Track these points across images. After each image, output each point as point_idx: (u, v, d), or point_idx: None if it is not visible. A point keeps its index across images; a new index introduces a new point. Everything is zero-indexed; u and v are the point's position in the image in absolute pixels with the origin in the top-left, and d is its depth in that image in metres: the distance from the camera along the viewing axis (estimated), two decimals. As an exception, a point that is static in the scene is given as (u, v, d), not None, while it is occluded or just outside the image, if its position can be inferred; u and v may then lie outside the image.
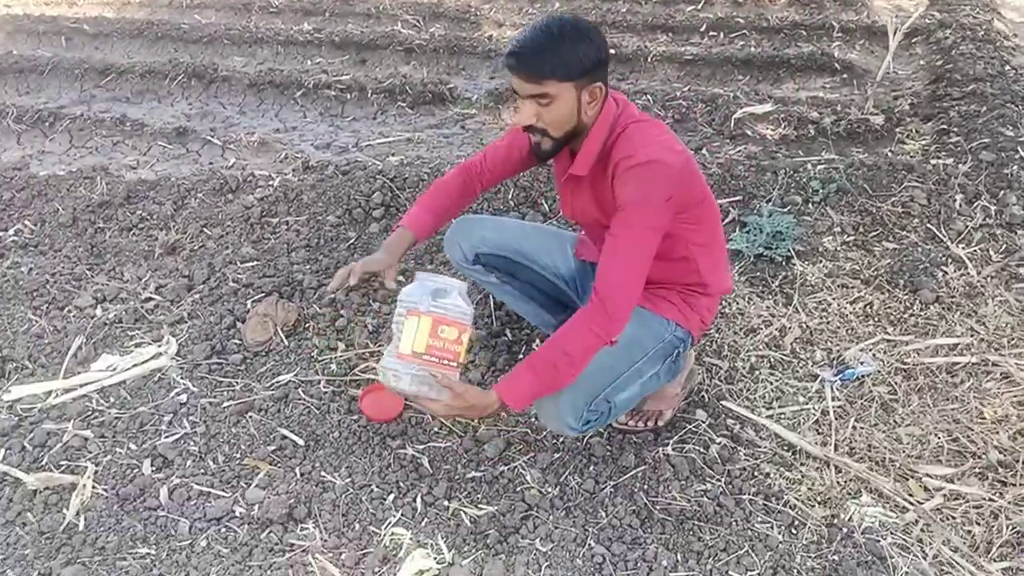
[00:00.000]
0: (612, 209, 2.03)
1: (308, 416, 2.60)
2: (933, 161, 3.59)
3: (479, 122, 4.81)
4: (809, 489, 2.28)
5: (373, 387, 2.64)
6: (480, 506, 2.28)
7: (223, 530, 2.24)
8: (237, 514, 2.29)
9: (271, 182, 3.84)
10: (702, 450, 2.39)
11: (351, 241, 3.48)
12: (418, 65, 5.86)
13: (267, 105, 5.25)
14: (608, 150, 2.03)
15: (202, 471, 2.44)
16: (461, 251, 2.42)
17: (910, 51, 5.53)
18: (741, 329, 2.87)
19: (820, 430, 2.49)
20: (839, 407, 2.55)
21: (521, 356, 2.81)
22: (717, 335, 2.83)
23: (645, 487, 2.29)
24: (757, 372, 2.70)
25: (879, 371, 2.66)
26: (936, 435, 2.42)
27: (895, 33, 4.16)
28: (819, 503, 2.24)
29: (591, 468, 2.36)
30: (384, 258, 2.24)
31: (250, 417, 2.61)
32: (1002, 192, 3.33)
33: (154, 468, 2.46)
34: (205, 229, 3.63)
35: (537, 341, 2.84)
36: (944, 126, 4.06)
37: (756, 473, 2.32)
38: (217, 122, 5.03)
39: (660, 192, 1.97)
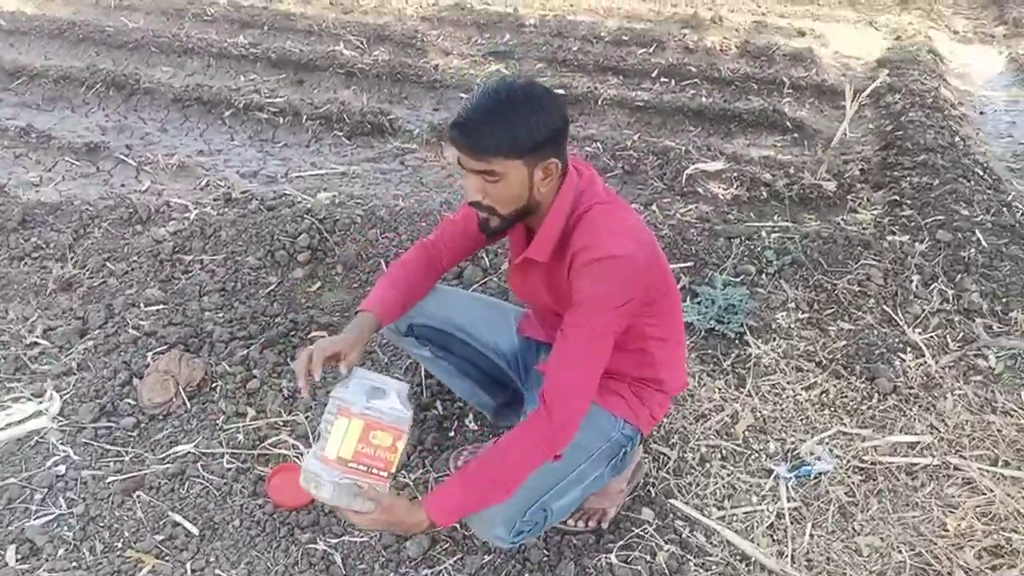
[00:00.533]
0: (567, 299, 1.80)
1: (206, 498, 2.28)
2: (889, 238, 3.47)
3: (419, 158, 4.55)
4: (764, 611, 2.06)
5: (283, 467, 2.34)
6: (400, 619, 2.00)
7: (92, 643, 1.91)
8: (111, 622, 1.96)
9: (187, 214, 3.50)
10: (648, 559, 2.15)
11: (271, 287, 3.17)
12: (358, 91, 5.57)
13: (192, 123, 4.89)
14: (567, 234, 1.80)
15: (75, 564, 2.10)
16: (394, 323, 2.15)
17: (859, 113, 5.48)
18: (691, 413, 2.66)
19: (775, 536, 2.28)
20: (795, 509, 2.35)
21: (452, 433, 2.55)
22: (666, 420, 2.61)
23: (583, 604, 2.04)
24: (708, 464, 2.49)
25: (836, 468, 2.48)
26: (898, 549, 2.23)
27: (853, 99, 4.06)
28: (775, 630, 2.03)
29: (526, 577, 2.10)
30: (349, 338, 1.92)
31: (138, 497, 2.28)
32: (959, 276, 3.22)
33: (19, 557, 2.11)
34: (108, 264, 3.27)
35: (470, 416, 2.58)
36: (896, 197, 3.96)
37: (706, 590, 2.10)
38: (135, 138, 4.65)
39: (622, 291, 1.75)
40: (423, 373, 2.71)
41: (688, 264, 3.31)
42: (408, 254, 2.12)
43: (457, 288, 2.52)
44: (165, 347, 2.78)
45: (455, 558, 2.14)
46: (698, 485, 2.42)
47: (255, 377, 2.68)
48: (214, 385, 2.67)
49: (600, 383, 2.00)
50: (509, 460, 1.76)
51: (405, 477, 2.36)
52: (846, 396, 2.75)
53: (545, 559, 2.14)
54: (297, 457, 2.40)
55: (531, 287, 1.96)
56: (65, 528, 2.19)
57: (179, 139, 4.72)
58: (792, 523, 2.31)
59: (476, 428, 2.54)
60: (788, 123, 5.05)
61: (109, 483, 2.32)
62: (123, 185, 4.03)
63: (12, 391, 2.64)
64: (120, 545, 2.15)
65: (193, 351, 2.78)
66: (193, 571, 2.09)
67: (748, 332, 2.99)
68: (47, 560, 2.10)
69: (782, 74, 5.92)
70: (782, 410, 2.70)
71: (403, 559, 2.15)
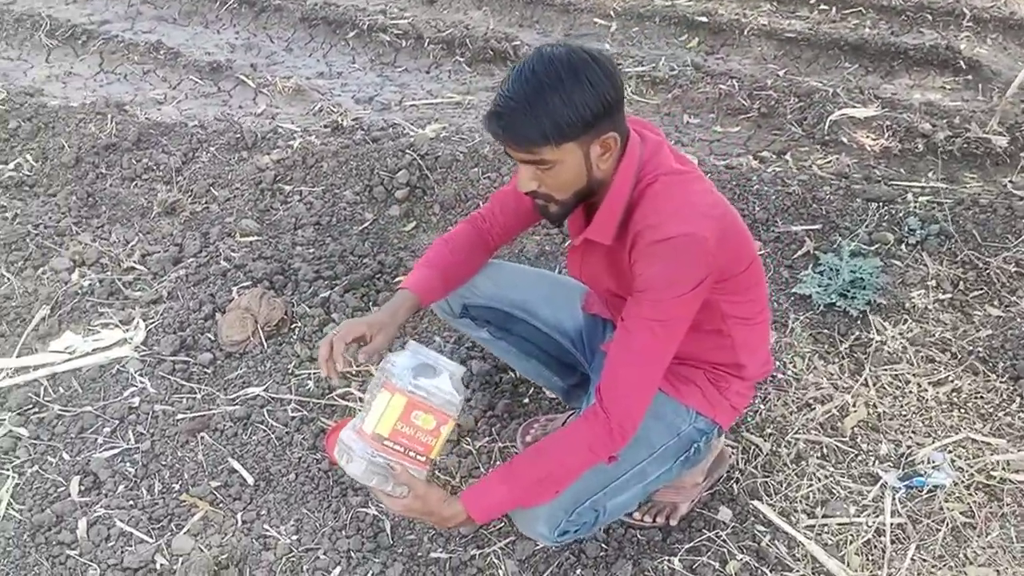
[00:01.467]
0: (629, 282, 1.58)
1: (266, 446, 2.24)
2: (1064, 209, 2.97)
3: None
4: (844, 643, 1.82)
5: (346, 422, 2.25)
6: (439, 601, 1.89)
7: (135, 588, 1.92)
8: (157, 567, 1.96)
9: (291, 142, 3.44)
10: (717, 567, 1.94)
11: (366, 224, 3.07)
12: (489, 11, 5.32)
13: (316, 43, 4.82)
14: (630, 210, 1.56)
15: (131, 502, 2.11)
16: (446, 302, 1.98)
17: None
18: (794, 401, 2.38)
19: (871, 556, 2.01)
20: (899, 526, 2.06)
21: (527, 401, 2.39)
22: (763, 406, 2.35)
23: (639, 610, 1.87)
24: (804, 462, 2.22)
25: (956, 483, 2.15)
26: (1017, 588, 1.92)
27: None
28: (853, 666, 1.79)
29: (578, 572, 1.94)
30: (379, 318, 1.79)
31: (202, 439, 2.26)
32: None
33: (82, 489, 2.14)
34: (212, 189, 3.27)
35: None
36: (1082, 158, 3.40)
37: (780, 610, 1.87)
38: (260, 57, 4.63)
39: (691, 274, 1.51)
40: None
41: (815, 227, 2.95)
42: (455, 229, 1.94)
43: (515, 263, 2.32)
44: (251, 283, 2.75)
45: (506, 540, 2.01)
46: (789, 486, 2.16)
47: (333, 321, 2.61)
48: (293, 326, 2.61)
49: (670, 369, 1.77)
50: (558, 460, 1.60)
51: (469, 444, 2.24)
52: (982, 397, 2.39)
53: (602, 554, 1.97)
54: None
55: (592, 270, 1.74)
56: (128, 464, 2.20)
57: (302, 60, 4.66)
58: (893, 543, 2.03)
59: (554, 396, 2.37)
60: (962, 62, 4.43)
61: (178, 420, 2.31)
62: (240, 107, 4.02)
63: (104, 316, 2.68)
64: (178, 487, 2.14)
65: (278, 288, 2.73)
66: (244, 522, 2.06)
67: (874, 311, 2.64)
68: (107, 495, 2.12)
69: (963, 4, 5.20)
70: (902, 407, 2.37)
71: (452, 535, 2.03)
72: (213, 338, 2.57)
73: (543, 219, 1.72)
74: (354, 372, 2.40)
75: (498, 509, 1.63)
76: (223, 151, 3.44)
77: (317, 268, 2.80)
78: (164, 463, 2.21)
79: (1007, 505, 2.09)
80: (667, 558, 1.95)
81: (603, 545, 1.99)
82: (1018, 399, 2.37)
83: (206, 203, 3.21)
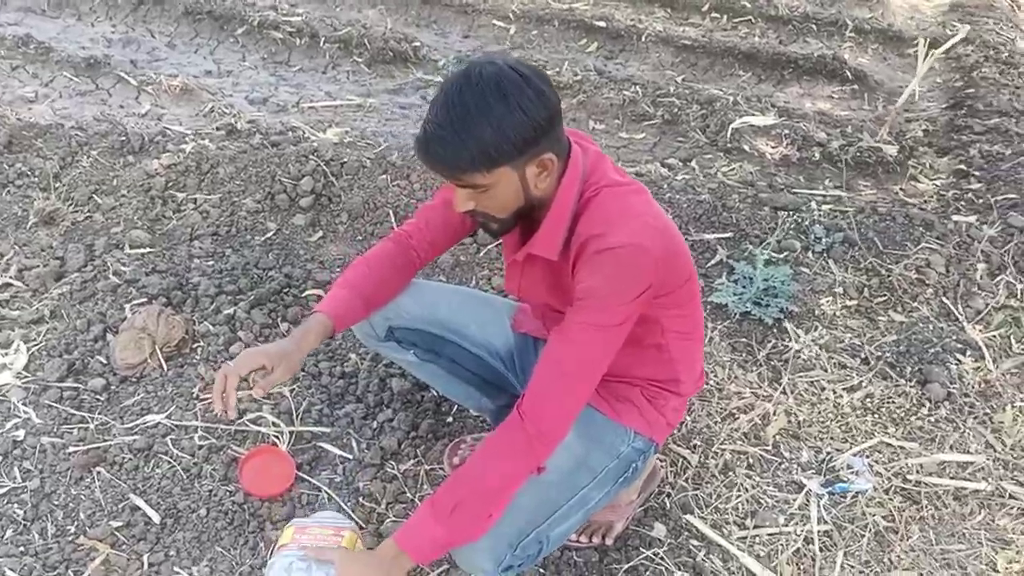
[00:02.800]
0: (568, 294, 1.52)
1: (172, 480, 2.07)
2: (955, 217, 3.11)
3: (443, 92, 4.19)
4: (782, 657, 1.82)
5: (258, 450, 2.11)
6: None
7: (29, 647, 1.72)
8: (54, 621, 1.77)
9: (183, 146, 3.22)
10: (657, 585, 1.92)
11: (269, 234, 2.91)
12: (385, 11, 5.18)
13: (202, 39, 4.56)
14: (573, 223, 1.51)
15: (21, 548, 1.90)
16: (369, 324, 1.87)
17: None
18: (718, 412, 2.38)
19: (801, 564, 2.03)
20: (825, 533, 2.09)
21: (451, 420, 2.30)
22: (689, 418, 2.35)
23: (580, 636, 1.81)
24: (732, 473, 2.23)
25: (876, 488, 2.20)
26: (940, 591, 1.98)
27: (925, 56, 3.63)
28: None
29: (516, 601, 1.87)
30: (282, 348, 1.66)
31: (98, 474, 2.07)
32: (1032, 268, 2.87)
33: (-39, 535, 1.92)
34: (95, 196, 3.02)
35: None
36: (963, 166, 3.58)
37: (719, 629, 1.86)
38: (140, 53, 4.34)
39: (634, 284, 1.49)
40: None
41: (727, 235, 2.99)
42: (375, 248, 1.83)
43: (436, 282, 2.23)
44: (145, 299, 2.54)
45: (439, 570, 1.91)
46: (719, 497, 2.16)
47: (239, 340, 2.44)
48: (195, 346, 2.43)
49: (607, 388, 1.74)
50: (485, 482, 1.52)
51: (394, 468, 2.13)
52: (893, 401, 2.46)
53: (540, 581, 1.91)
54: (277, 437, 2.17)
55: (530, 285, 1.68)
56: (16, 505, 1.99)
57: (187, 57, 4.40)
58: (822, 550, 2.05)
59: (477, 415, 2.29)
60: (848, 72, 4.61)
61: (70, 454, 2.11)
62: (121, 106, 3.75)
63: (-23, 339, 2.42)
64: (73, 529, 1.95)
65: (175, 305, 2.54)
66: (150, 565, 1.89)
67: (788, 318, 2.69)
68: (-8, 543, 1.90)
69: (845, 15, 5.43)
70: (819, 413, 2.42)
71: (382, 567, 1.92)
72: (105, 361, 2.36)
73: (473, 233, 1.65)
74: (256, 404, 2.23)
75: (432, 545, 1.53)
76: (106, 155, 3.18)
77: (219, 282, 2.62)
78: (56, 503, 2.00)
79: (925, 508, 2.16)
80: (606, 580, 1.91)
81: (540, 570, 1.93)
82: (926, 403, 2.45)
83: (89, 212, 2.96)
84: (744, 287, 2.75)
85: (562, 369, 1.53)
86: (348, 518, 1.64)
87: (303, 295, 2.63)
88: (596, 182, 1.54)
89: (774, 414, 2.40)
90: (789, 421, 2.39)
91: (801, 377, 2.51)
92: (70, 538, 1.92)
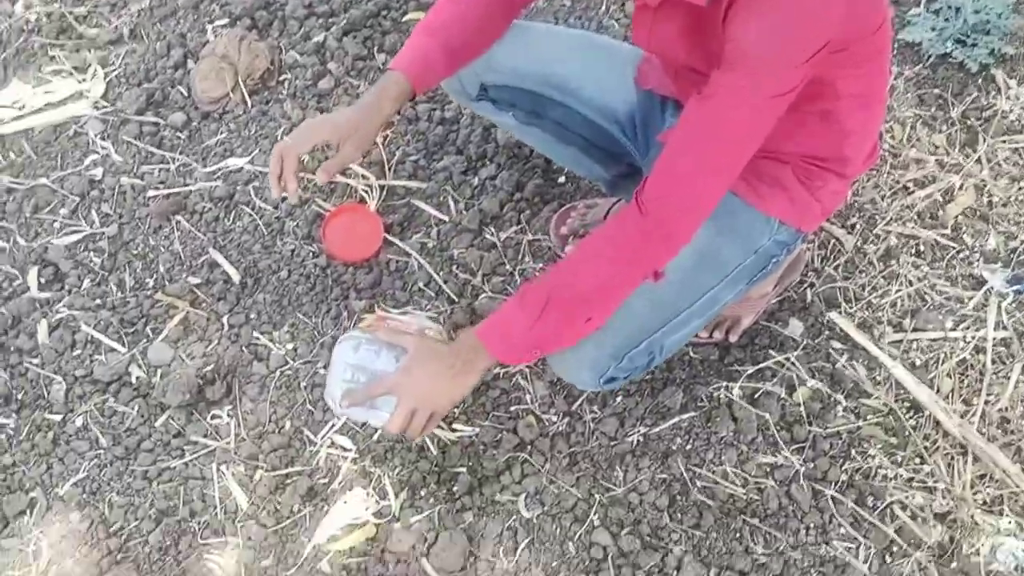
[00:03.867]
0: (717, 51, 1.11)
1: (253, 235, 1.89)
2: None
3: None
4: (926, 489, 1.56)
5: (345, 208, 1.88)
6: (456, 427, 1.63)
7: (107, 405, 1.67)
8: (132, 379, 1.70)
9: None
10: (783, 395, 1.65)
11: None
12: None
13: None
14: None
15: (98, 301, 1.81)
16: (458, 80, 1.50)
17: None
18: (888, 183, 1.95)
19: (965, 380, 1.70)
20: (1002, 341, 1.73)
21: (563, 180, 1.97)
22: (849, 189, 1.93)
23: (688, 447, 1.60)
24: (894, 261, 1.84)
25: (1077, 291, 1.79)
26: None
27: None
28: (937, 517, 1.54)
29: (618, 400, 1.66)
30: (351, 117, 1.35)
31: (178, 224, 1.92)
32: None
33: (41, 282, 1.84)
34: None
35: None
36: None
37: (853, 450, 1.60)
38: None
39: (808, 38, 1.07)
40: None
41: (932, -48, 2.33)
42: None
43: (545, 23, 1.75)
44: (228, 20, 2.24)
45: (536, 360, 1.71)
46: (874, 291, 1.81)
47: (330, 73, 2.14)
48: (281, 78, 2.16)
49: (752, 169, 1.35)
50: (586, 282, 1.22)
51: (494, 235, 1.87)
52: (1122, 182, 1.95)
53: (647, 379, 1.68)
54: (366, 192, 1.93)
55: (665, 37, 1.24)
56: (94, 254, 1.88)
57: None
58: (995, 362, 1.71)
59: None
60: None
61: (149, 199, 1.95)
62: None
63: (54, 60, 2.22)
64: (152, 283, 1.84)
65: (260, 28, 2.23)
66: (230, 327, 1.77)
67: (998, 64, 2.12)
68: (70, 292, 1.82)
69: None
70: (1021, 190, 1.95)
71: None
72: (186, 93, 2.13)
73: None
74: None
75: (518, 346, 1.27)
76: None
77: (308, 1, 2.27)
78: (134, 252, 1.89)
79: None
80: (725, 384, 1.66)
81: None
82: None
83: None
84: (947, 20, 2.16)
85: (701, 149, 1.16)
86: (436, 322, 1.42)
87: (403, 20, 2.25)
88: None
89: (961, 188, 1.94)
90: (979, 199, 1.93)
91: (1004, 143, 2.00)
92: (148, 292, 1.82)
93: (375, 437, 1.62)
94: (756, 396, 1.64)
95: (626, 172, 1.66)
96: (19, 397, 1.70)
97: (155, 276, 1.84)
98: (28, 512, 1.57)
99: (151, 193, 1.96)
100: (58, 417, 1.66)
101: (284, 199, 1.48)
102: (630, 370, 1.41)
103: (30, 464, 1.62)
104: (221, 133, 2.07)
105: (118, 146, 2.06)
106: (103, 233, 1.90)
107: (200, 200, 1.94)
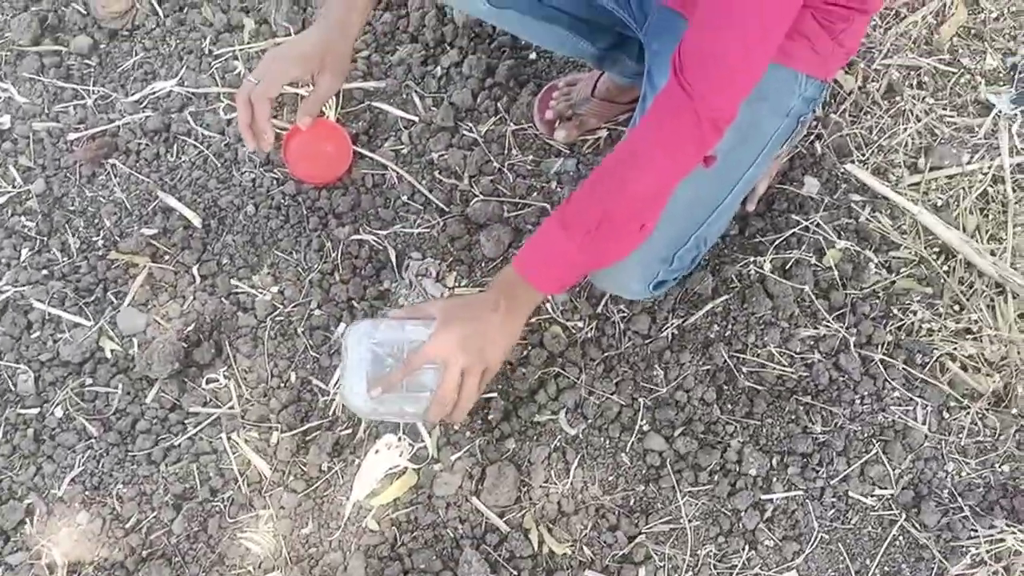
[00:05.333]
0: None
1: (204, 171, 1.67)
2: None
3: None
4: (972, 336, 1.52)
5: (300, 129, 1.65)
6: (476, 349, 1.50)
7: (85, 388, 1.49)
8: (107, 355, 1.52)
9: None
10: (814, 261, 1.56)
11: None
12: None
13: None
14: None
15: (44, 271, 1.59)
16: None
17: None
18: (879, 12, 1.81)
19: (989, 214, 1.64)
20: (1019, 167, 1.66)
21: (534, 56, 1.77)
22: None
23: (727, 333, 1.51)
24: (897, 97, 1.73)
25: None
26: None
27: None
28: (988, 365, 1.50)
29: (645, 294, 1.54)
30: (320, 41, 1.16)
31: (113, 168, 1.67)
32: None
33: (-29, 260, 1.60)
34: None
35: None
36: None
37: (893, 308, 1.53)
38: None
39: None
40: None
41: None
42: None
43: None
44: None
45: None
46: (883, 133, 1.70)
47: (250, -30, 1.85)
48: (193, -20, 1.86)
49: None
50: (646, 181, 1.05)
51: (472, 131, 1.69)
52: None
53: (672, 267, 1.56)
54: (325, 105, 1.70)
55: None
56: (24, 217, 1.63)
57: None
58: (1015, 189, 1.64)
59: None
60: None
61: (72, 143, 1.69)
62: None
63: (-83, -8, 1.87)
64: (101, 242, 1.61)
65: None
66: (202, 278, 1.58)
67: None
68: (9, 266, 1.59)
69: None
70: (1011, 1, 1.83)
71: (477, 259, 1.59)
72: (84, 11, 1.83)
73: None
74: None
75: (566, 272, 1.12)
76: None
77: None
78: (71, 208, 1.64)
79: None
80: (753, 259, 1.55)
81: (671, 254, 1.57)
82: None
83: None
84: None
85: (739, 17, 0.99)
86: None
87: None
88: None
89: (951, 6, 1.83)
90: (971, 15, 1.81)
91: (995, -48, 1.87)
92: (99, 252, 1.60)
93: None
94: (787, 267, 1.55)
95: (616, 43, 1.47)
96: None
97: (103, 233, 1.61)
98: (28, 521, 1.41)
99: (72, 136, 1.70)
100: (34, 411, 1.47)
101: (256, 150, 1.27)
102: (679, 270, 1.29)
103: (16, 469, 1.44)
104: (136, 54, 1.79)
105: (19, 85, 1.76)
106: (29, 191, 1.65)
107: (132, 137, 1.69)
